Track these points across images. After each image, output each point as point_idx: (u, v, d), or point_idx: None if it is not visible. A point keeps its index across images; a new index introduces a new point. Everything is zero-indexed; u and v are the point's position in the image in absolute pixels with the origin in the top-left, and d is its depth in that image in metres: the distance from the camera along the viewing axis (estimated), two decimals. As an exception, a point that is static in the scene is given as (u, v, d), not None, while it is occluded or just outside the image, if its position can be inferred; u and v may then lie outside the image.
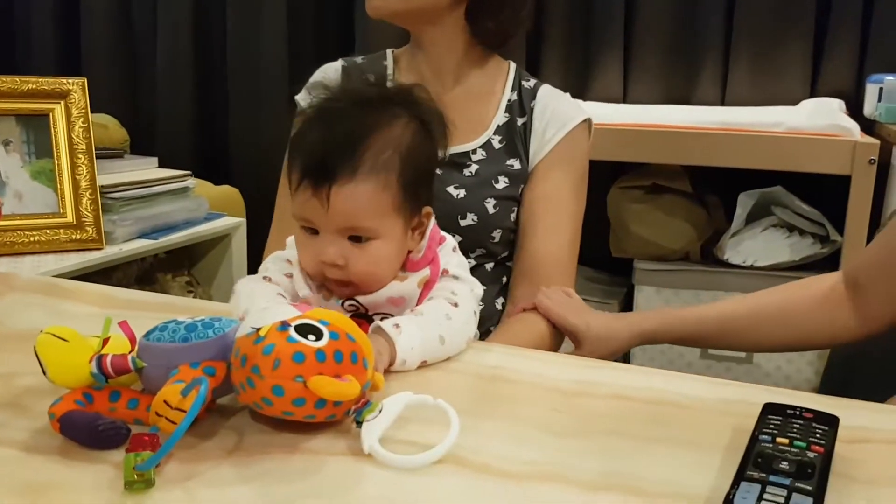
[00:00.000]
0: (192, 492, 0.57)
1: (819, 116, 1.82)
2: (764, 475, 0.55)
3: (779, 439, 0.59)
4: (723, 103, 2.11)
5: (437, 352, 0.81)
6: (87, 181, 1.59)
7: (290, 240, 0.91)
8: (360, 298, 0.85)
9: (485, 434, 0.67)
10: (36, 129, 1.59)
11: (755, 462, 0.56)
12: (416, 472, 0.60)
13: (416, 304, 0.86)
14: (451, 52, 1.19)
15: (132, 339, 0.68)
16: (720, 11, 2.07)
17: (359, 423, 0.63)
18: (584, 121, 1.21)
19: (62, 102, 1.60)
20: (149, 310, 1.00)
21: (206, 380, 0.60)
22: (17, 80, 1.58)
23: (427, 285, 0.87)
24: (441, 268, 0.88)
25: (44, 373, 0.65)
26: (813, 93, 2.05)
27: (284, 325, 0.63)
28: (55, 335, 0.66)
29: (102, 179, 1.64)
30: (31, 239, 1.55)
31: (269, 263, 0.91)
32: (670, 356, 1.95)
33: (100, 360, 0.65)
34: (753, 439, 0.60)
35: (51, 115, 1.60)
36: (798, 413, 0.63)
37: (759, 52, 2.06)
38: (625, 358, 2.05)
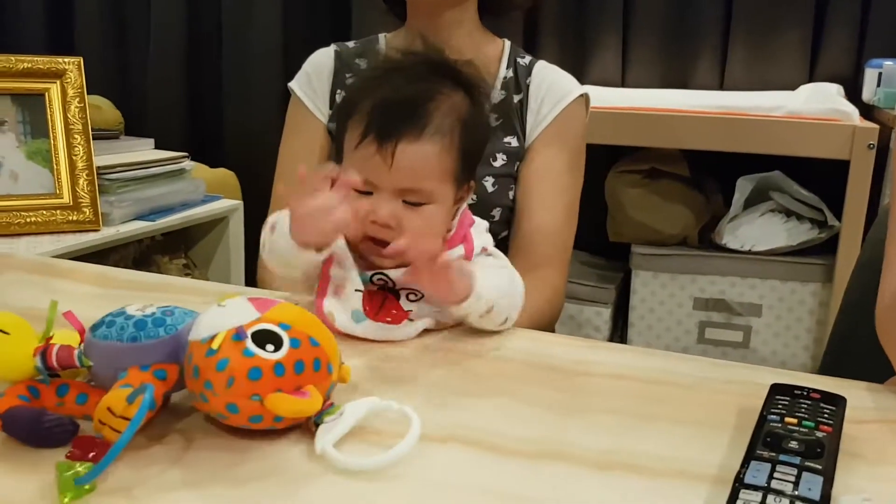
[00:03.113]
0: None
1: (818, 101, 1.81)
2: (774, 454, 0.55)
3: (787, 419, 0.59)
4: (721, 88, 2.10)
5: (499, 304, 0.82)
6: (84, 162, 1.58)
7: None
8: (390, 273, 0.84)
9: (487, 413, 0.67)
10: (31, 108, 1.58)
11: (764, 441, 0.56)
12: (410, 453, 0.58)
13: None
14: (460, 34, 1.19)
15: (80, 331, 0.63)
16: (719, -5, 2.06)
17: (317, 425, 0.60)
18: (581, 96, 1.21)
19: (58, 82, 1.59)
20: (147, 290, 1.00)
21: (151, 387, 0.56)
22: (13, 59, 1.56)
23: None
24: (478, 246, 0.88)
25: None
26: (811, 77, 2.05)
27: (240, 335, 0.58)
28: None
29: (99, 160, 1.62)
30: (28, 220, 1.53)
31: None
32: (666, 340, 1.96)
33: (44, 353, 0.60)
34: (762, 419, 0.60)
35: (46, 94, 1.58)
36: (805, 393, 0.63)
37: (757, 37, 2.05)
38: (622, 342, 2.05)
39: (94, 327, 0.62)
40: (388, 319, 0.84)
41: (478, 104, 0.87)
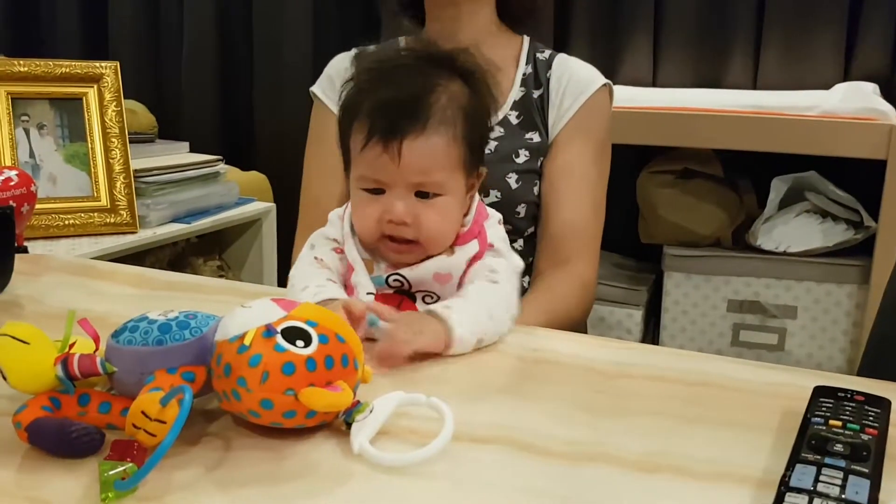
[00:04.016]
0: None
1: (854, 100, 1.79)
2: (819, 457, 0.54)
3: (832, 421, 0.58)
4: (754, 87, 2.08)
5: (488, 329, 0.80)
6: (121, 165, 1.60)
7: (332, 215, 0.92)
8: (406, 273, 0.85)
9: (529, 414, 0.67)
10: (69, 112, 1.60)
11: (809, 444, 0.56)
12: (446, 453, 0.58)
13: (460, 280, 0.86)
14: (474, 31, 1.18)
15: (95, 338, 0.63)
16: (751, -7, 2.04)
17: (348, 426, 0.60)
18: (604, 86, 1.20)
19: (95, 86, 1.61)
20: (185, 291, 1.01)
21: (189, 388, 0.55)
22: (51, 63, 1.59)
23: (472, 261, 0.86)
24: (487, 241, 0.87)
25: (4, 378, 0.60)
26: (846, 76, 2.02)
27: (270, 331, 0.59)
28: (14, 337, 0.59)
29: (135, 164, 1.65)
30: (66, 222, 1.56)
31: (316, 243, 0.91)
32: (700, 343, 1.94)
33: (66, 362, 0.59)
34: (806, 421, 0.59)
35: (84, 98, 1.61)
36: (849, 396, 0.63)
37: (791, 35, 2.02)
38: (653, 345, 2.04)
39: (117, 333, 0.62)
40: None
41: (477, 90, 0.86)
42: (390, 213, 0.82)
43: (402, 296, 0.86)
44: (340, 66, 1.25)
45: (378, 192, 0.84)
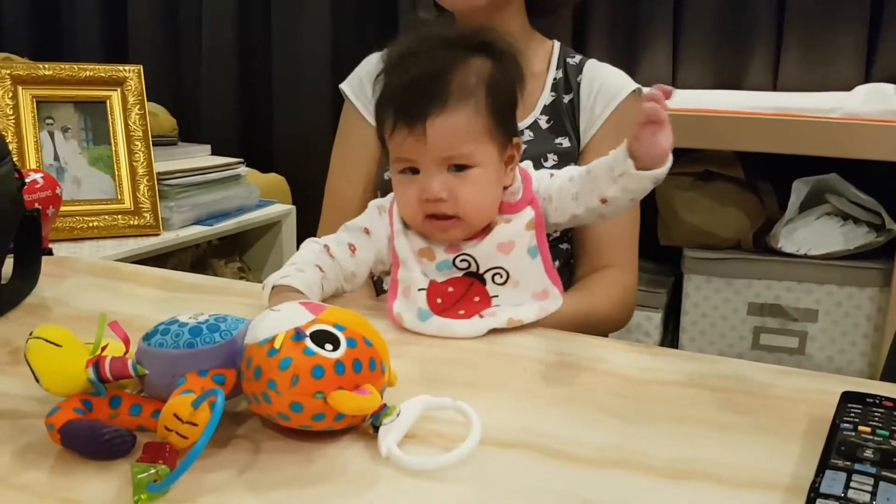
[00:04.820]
0: None
1: (875, 102, 1.77)
2: (849, 463, 0.54)
3: (860, 427, 0.58)
4: (774, 89, 2.07)
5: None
6: (144, 168, 1.62)
7: (373, 204, 0.94)
8: (470, 250, 0.86)
9: (555, 419, 0.67)
10: (93, 115, 1.62)
11: (838, 450, 0.55)
12: (472, 457, 0.58)
13: (539, 250, 0.87)
14: (507, 36, 1.18)
15: (125, 341, 0.64)
16: (772, -6, 2.03)
17: (375, 429, 0.61)
18: (634, 91, 1.20)
19: (119, 89, 1.63)
20: (209, 293, 1.02)
21: (221, 391, 0.56)
22: (76, 67, 1.61)
23: (539, 227, 0.88)
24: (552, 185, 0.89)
25: (37, 381, 0.61)
26: (867, 78, 2.00)
27: (299, 335, 0.59)
28: (47, 340, 0.60)
29: (158, 166, 1.66)
30: (90, 224, 1.57)
31: (341, 231, 0.94)
32: (720, 346, 1.93)
33: (97, 365, 0.60)
34: (834, 427, 0.59)
35: (108, 102, 1.62)
36: (878, 401, 0.62)
37: (811, 37, 2.01)
38: (672, 347, 2.03)
39: (148, 336, 0.63)
40: (461, 313, 0.85)
41: (499, 60, 0.88)
42: (426, 192, 0.84)
43: (472, 278, 0.87)
44: (370, 67, 1.26)
45: (414, 171, 0.86)
